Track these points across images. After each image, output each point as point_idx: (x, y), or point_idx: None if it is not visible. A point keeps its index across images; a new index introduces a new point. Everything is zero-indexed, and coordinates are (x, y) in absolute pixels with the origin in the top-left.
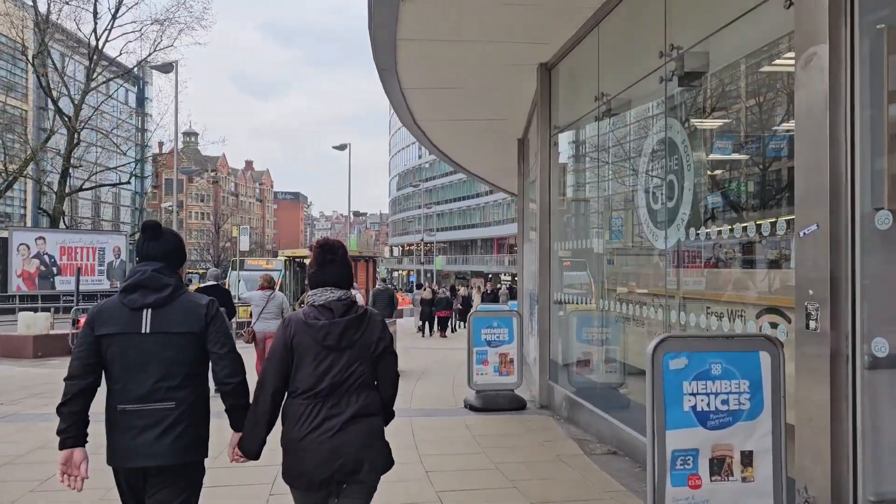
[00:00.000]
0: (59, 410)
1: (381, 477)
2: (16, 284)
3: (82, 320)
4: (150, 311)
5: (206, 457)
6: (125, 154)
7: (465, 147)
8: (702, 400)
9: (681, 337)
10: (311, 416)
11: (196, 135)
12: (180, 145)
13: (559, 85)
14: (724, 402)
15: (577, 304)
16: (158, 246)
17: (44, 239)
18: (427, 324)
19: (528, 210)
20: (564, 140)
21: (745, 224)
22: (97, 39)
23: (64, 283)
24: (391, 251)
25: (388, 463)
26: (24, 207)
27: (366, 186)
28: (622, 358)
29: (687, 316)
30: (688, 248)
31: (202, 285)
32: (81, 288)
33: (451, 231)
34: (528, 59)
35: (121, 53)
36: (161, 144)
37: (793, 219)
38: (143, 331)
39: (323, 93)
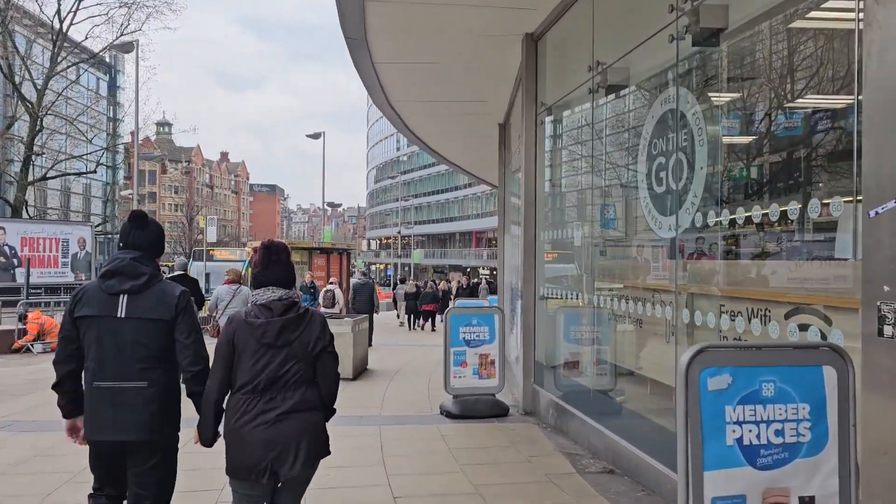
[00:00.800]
0: (54, 388)
1: None
2: None
3: (30, 315)
4: (126, 296)
5: (178, 432)
6: (90, 142)
7: (444, 133)
8: (750, 430)
9: (723, 348)
10: (249, 408)
11: (170, 125)
12: (149, 134)
13: (547, 57)
14: (779, 432)
15: (565, 299)
16: (143, 235)
17: (3, 229)
18: (411, 318)
19: (509, 201)
20: (553, 118)
21: (784, 208)
22: (61, 22)
23: (24, 276)
24: (368, 244)
25: (321, 453)
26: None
27: (344, 180)
28: (616, 360)
29: (704, 316)
30: (697, 237)
31: (169, 276)
32: (45, 280)
33: (429, 224)
34: (512, 29)
35: (87, 37)
36: (133, 134)
37: (847, 201)
38: (118, 315)
39: (302, 88)
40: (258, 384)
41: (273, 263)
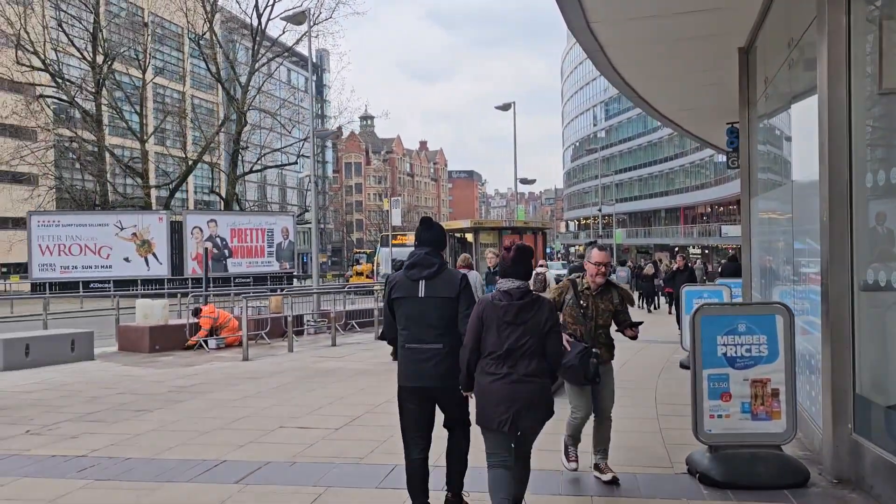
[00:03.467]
0: (390, 343)
1: None
2: (191, 267)
3: (205, 309)
4: (424, 281)
5: None
6: (289, 134)
7: (659, 69)
8: None
9: None
10: (493, 371)
11: (372, 118)
12: (353, 127)
13: None
14: None
15: None
16: (431, 235)
17: (215, 221)
18: (646, 300)
19: (755, 155)
20: None
21: None
22: (259, 18)
23: (235, 266)
24: (566, 226)
25: (549, 414)
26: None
27: (539, 164)
28: None
29: None
30: None
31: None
32: (253, 270)
33: (631, 202)
34: None
35: (284, 32)
36: (340, 129)
37: None
38: (419, 295)
39: (490, 75)
40: (501, 353)
41: (517, 262)
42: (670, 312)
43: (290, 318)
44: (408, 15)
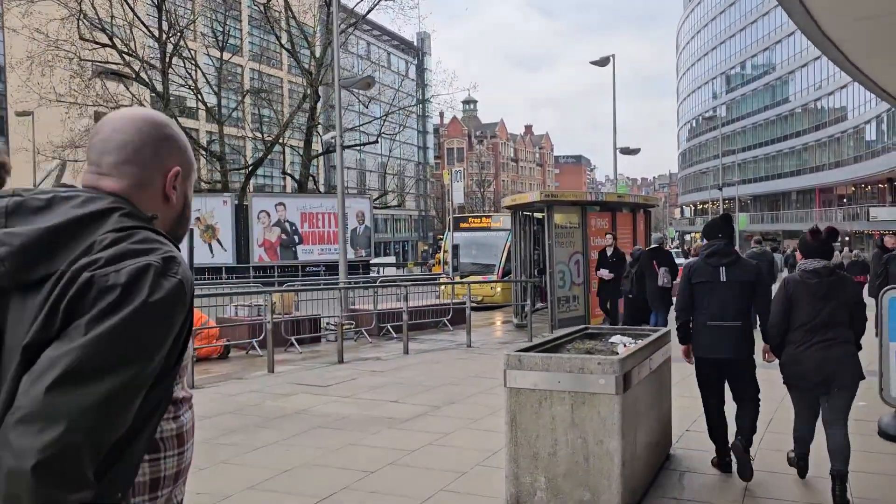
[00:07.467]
0: (678, 328)
1: None
2: (257, 255)
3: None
4: (724, 268)
5: (753, 355)
6: (368, 112)
7: None
8: None
9: None
10: (806, 340)
11: (475, 102)
12: (456, 113)
13: None
14: None
15: None
16: (730, 230)
17: (284, 205)
18: None
19: None
20: None
21: None
22: None
23: (306, 253)
24: (682, 211)
25: (860, 376)
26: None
27: (649, 150)
28: None
29: None
30: None
31: (650, 247)
32: (325, 258)
33: (756, 183)
34: None
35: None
36: (441, 115)
37: None
38: (721, 279)
39: (591, 61)
40: (813, 325)
41: (814, 242)
42: None
43: (268, 325)
44: (509, 3)
